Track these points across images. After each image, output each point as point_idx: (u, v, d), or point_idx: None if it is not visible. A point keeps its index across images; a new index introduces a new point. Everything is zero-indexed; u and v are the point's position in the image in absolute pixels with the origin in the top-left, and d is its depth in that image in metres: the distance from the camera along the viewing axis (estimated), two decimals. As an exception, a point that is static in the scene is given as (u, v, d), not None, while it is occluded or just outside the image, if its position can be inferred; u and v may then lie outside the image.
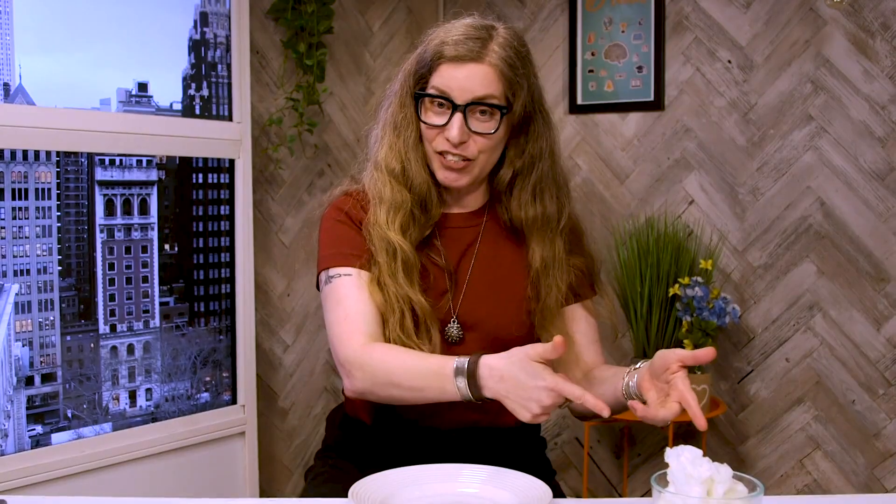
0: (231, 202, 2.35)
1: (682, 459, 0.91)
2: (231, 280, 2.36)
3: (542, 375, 1.07)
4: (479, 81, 1.24)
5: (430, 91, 1.26)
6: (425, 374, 1.15)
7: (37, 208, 1.92)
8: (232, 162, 2.34)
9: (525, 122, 1.31)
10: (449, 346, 1.30)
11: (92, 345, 2.04)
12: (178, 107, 2.22)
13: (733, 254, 2.59)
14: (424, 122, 1.28)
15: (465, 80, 1.24)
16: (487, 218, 1.38)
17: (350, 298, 1.26)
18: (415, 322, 1.27)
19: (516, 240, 1.38)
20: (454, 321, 1.31)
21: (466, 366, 1.12)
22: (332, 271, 1.28)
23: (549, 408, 1.07)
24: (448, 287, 1.32)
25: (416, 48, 1.33)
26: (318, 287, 1.33)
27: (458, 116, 1.24)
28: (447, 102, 1.25)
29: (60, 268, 1.97)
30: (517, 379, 1.08)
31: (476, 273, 1.34)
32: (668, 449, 0.94)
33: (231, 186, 2.34)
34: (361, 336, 1.22)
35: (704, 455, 0.91)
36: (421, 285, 1.29)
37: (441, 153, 1.28)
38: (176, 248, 2.23)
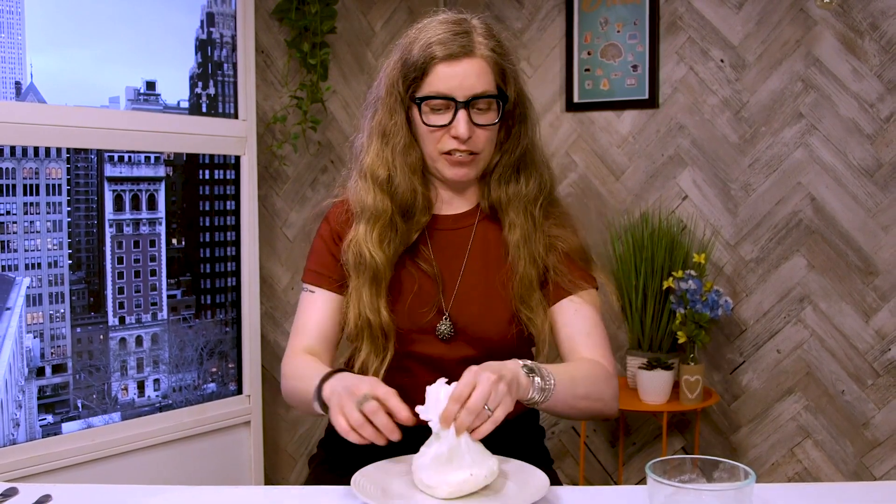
0: (237, 198, 2.39)
1: (437, 388, 1.05)
2: (237, 273, 2.40)
3: (365, 381, 1.12)
4: (476, 76, 1.25)
5: (430, 94, 1.26)
6: (307, 379, 1.24)
7: (48, 204, 1.96)
8: (237, 158, 2.37)
9: (513, 106, 1.33)
10: (441, 343, 1.33)
11: (101, 336, 2.08)
12: (185, 105, 2.26)
13: (726, 248, 2.64)
14: (428, 125, 1.28)
15: (463, 77, 1.25)
16: (480, 216, 1.38)
17: (304, 313, 1.38)
18: (374, 336, 1.30)
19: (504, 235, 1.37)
20: (446, 319, 1.32)
21: (325, 373, 1.19)
22: (304, 285, 1.39)
23: (349, 394, 1.09)
24: (437, 289, 1.33)
25: (394, 51, 1.33)
26: None
27: (462, 113, 1.25)
28: (449, 102, 1.26)
29: (71, 261, 2.00)
30: (343, 384, 1.13)
31: (467, 273, 1.35)
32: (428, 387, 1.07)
33: (237, 182, 2.38)
34: (299, 349, 1.35)
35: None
36: (389, 297, 1.31)
37: (448, 153, 1.29)
38: (183, 243, 2.28)
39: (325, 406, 1.18)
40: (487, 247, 1.37)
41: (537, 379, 1.14)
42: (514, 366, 1.13)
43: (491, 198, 1.36)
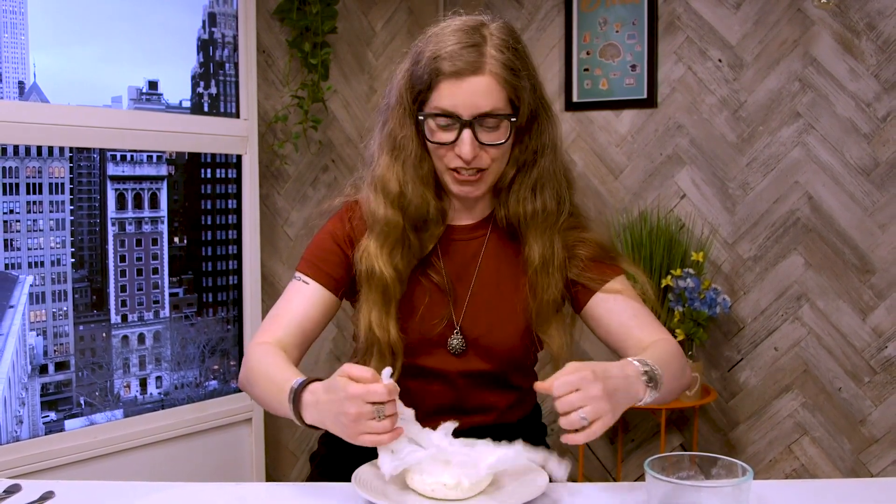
0: (238, 196, 2.40)
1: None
2: (238, 272, 2.41)
3: (342, 386, 1.01)
4: (483, 94, 1.18)
5: (434, 111, 1.21)
6: (274, 383, 1.15)
7: (50, 202, 1.97)
8: (239, 158, 2.39)
9: (530, 121, 1.27)
10: (452, 357, 1.30)
11: (104, 334, 2.09)
12: (187, 104, 2.27)
13: (724, 246, 2.65)
14: (433, 142, 1.23)
15: (469, 95, 1.18)
16: (492, 227, 1.34)
17: (290, 302, 1.29)
18: (381, 353, 1.25)
19: (518, 249, 1.32)
20: (457, 332, 1.30)
21: (295, 388, 1.09)
22: (298, 274, 1.31)
23: (357, 417, 1.00)
24: (448, 301, 1.30)
25: (406, 57, 1.28)
26: None
27: (467, 132, 1.19)
28: (454, 119, 1.20)
29: (73, 260, 2.02)
30: (326, 399, 1.05)
31: (479, 285, 1.31)
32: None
33: (238, 181, 2.39)
34: (271, 337, 1.25)
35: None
36: (398, 312, 1.27)
37: (454, 169, 1.24)
38: (185, 241, 2.29)
39: (296, 407, 1.10)
40: (500, 259, 1.33)
41: (652, 384, 1.10)
42: (632, 370, 1.08)
43: (509, 213, 1.30)
